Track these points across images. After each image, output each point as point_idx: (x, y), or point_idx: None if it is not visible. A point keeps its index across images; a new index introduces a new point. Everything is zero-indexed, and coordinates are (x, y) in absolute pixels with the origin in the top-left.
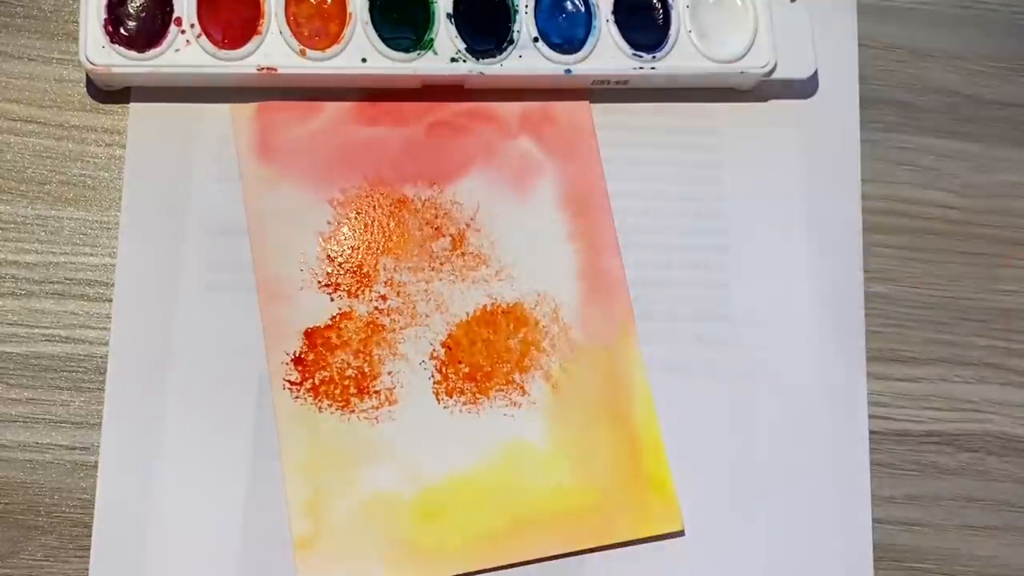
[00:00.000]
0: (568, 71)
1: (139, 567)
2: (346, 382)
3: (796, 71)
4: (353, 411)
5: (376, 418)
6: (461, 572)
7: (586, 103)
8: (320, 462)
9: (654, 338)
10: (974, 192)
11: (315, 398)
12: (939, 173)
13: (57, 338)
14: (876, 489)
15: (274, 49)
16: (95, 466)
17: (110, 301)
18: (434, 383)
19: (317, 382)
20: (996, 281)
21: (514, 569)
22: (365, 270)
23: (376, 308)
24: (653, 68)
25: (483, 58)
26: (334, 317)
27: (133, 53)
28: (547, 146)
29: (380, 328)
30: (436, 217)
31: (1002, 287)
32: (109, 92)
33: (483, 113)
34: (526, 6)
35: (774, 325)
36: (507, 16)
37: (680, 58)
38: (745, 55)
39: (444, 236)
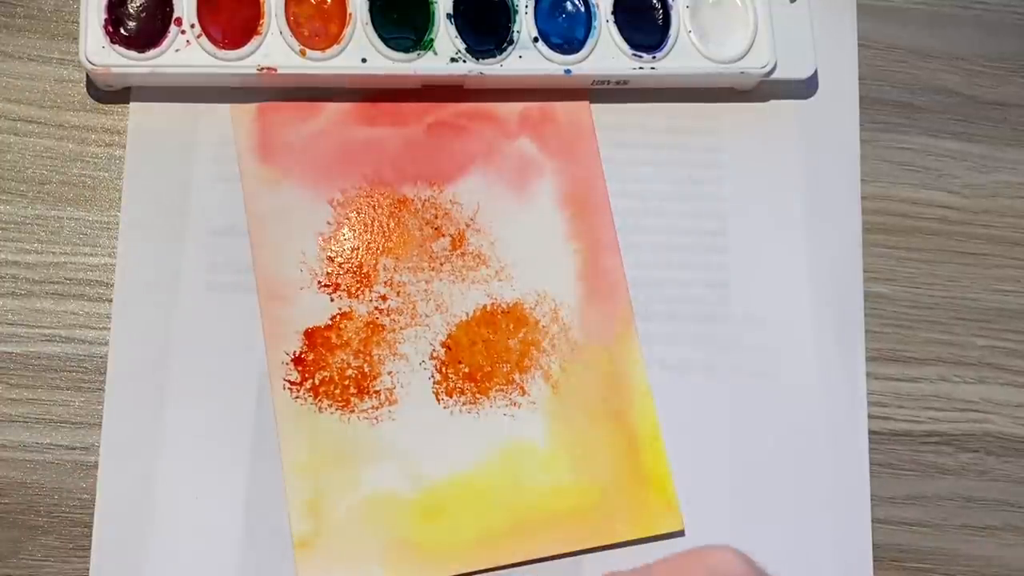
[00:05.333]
0: (568, 71)
1: (139, 567)
2: (346, 382)
3: (796, 71)
4: (353, 411)
5: (376, 418)
6: (461, 572)
7: (586, 103)
8: (320, 462)
9: (654, 338)
10: (974, 192)
11: (315, 398)
12: (939, 173)
13: (57, 338)
14: (876, 489)
15: (274, 49)
16: (95, 466)
17: (110, 301)
18: (434, 383)
19: (317, 382)
20: (996, 281)
21: (514, 569)
22: (365, 270)
23: (376, 308)
24: (653, 68)
25: (483, 58)
26: (334, 317)
27: (133, 53)
28: (547, 146)
29: (380, 328)
30: (436, 217)
31: (1002, 287)
32: (109, 92)
33: (483, 113)
34: (526, 6)
35: (774, 325)
36: (507, 16)
37: (680, 58)
38: (745, 55)
39: (444, 236)
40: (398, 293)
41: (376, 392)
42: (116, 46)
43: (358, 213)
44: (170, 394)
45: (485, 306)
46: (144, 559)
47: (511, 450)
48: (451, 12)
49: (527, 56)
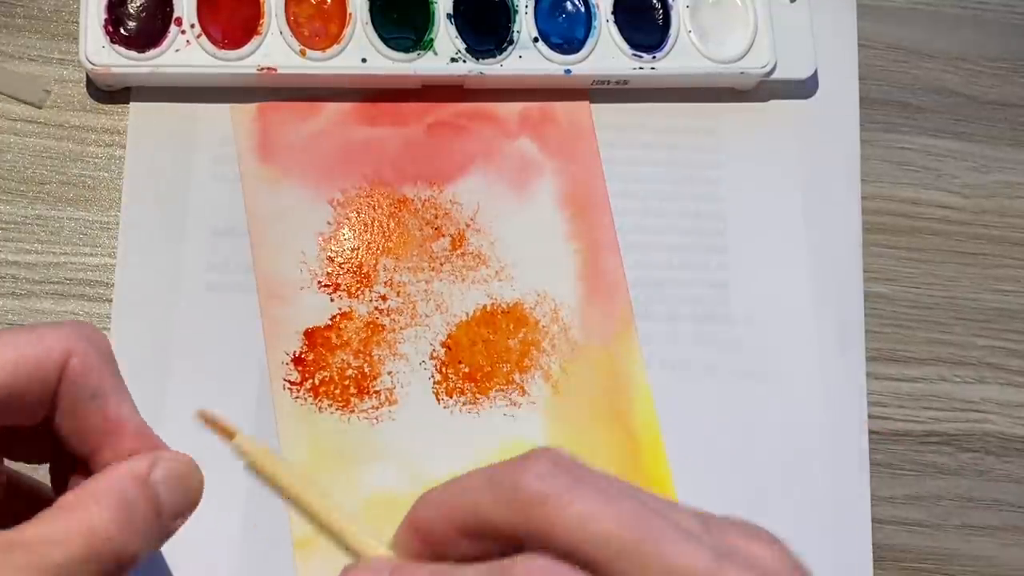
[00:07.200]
0: (568, 71)
1: (138, 566)
2: (346, 382)
3: (796, 71)
4: (353, 411)
5: (376, 418)
6: None
7: (586, 103)
8: (320, 462)
9: (654, 338)
10: (974, 192)
11: (315, 398)
12: (939, 173)
13: None
14: (876, 489)
15: (274, 49)
16: None
17: (110, 301)
18: (434, 383)
19: (317, 382)
20: (996, 281)
21: None
22: (365, 270)
23: (376, 308)
24: (653, 68)
25: (483, 58)
26: (334, 317)
27: (133, 53)
28: (547, 146)
29: (380, 328)
30: (436, 217)
31: (1002, 287)
32: (109, 92)
33: (483, 113)
34: (526, 6)
35: (774, 325)
36: (507, 16)
37: (680, 58)
38: (745, 55)
39: (444, 236)
40: (398, 293)
41: (376, 392)
42: (116, 46)
43: (358, 213)
44: (170, 394)
45: (485, 306)
46: (144, 558)
47: (511, 450)
48: (451, 12)
49: (527, 56)
